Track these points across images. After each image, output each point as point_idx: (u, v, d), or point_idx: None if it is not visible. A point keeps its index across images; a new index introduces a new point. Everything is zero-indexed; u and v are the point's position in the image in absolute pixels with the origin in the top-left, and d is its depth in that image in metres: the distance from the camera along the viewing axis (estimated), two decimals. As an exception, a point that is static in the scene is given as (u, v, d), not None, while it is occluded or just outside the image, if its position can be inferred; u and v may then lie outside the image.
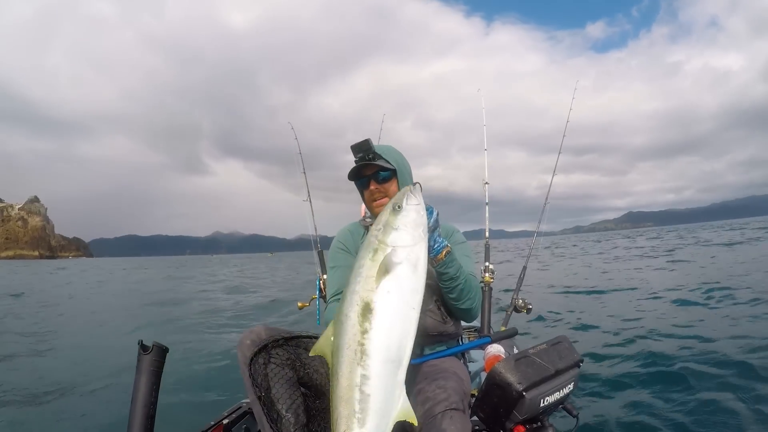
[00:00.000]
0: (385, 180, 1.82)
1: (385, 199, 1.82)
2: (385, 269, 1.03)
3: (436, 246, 1.47)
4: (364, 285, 1.03)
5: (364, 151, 1.78)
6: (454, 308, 1.73)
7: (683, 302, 7.43)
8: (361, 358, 0.97)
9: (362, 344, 0.97)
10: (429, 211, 1.31)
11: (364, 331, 0.98)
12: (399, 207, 1.15)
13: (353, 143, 1.81)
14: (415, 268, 1.07)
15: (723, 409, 3.12)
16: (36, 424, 3.69)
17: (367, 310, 0.99)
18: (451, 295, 1.65)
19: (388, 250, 1.06)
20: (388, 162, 1.80)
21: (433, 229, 1.36)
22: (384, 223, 1.13)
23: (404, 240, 1.09)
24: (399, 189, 1.84)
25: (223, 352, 5.70)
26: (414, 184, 1.28)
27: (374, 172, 1.80)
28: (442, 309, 1.77)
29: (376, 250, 1.07)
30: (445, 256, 1.51)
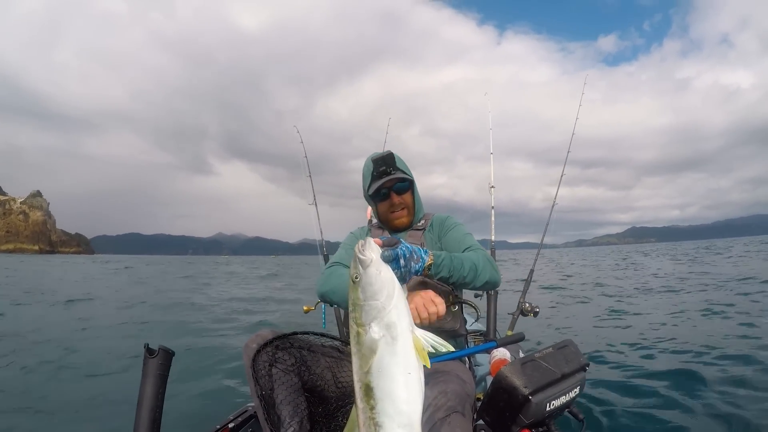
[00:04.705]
0: (404, 191, 1.82)
1: (404, 211, 1.84)
2: (370, 351, 1.06)
3: (416, 269, 1.35)
4: (359, 371, 1.07)
5: (387, 164, 1.75)
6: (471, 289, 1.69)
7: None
8: (375, 430, 1.03)
9: (373, 418, 1.04)
10: (393, 255, 1.19)
11: (372, 408, 1.04)
12: (356, 278, 1.10)
13: (375, 156, 1.77)
14: (394, 337, 1.06)
15: (738, 421, 3.02)
16: (38, 428, 3.62)
17: (368, 390, 1.05)
18: (457, 285, 1.64)
19: (365, 329, 1.07)
20: (405, 173, 1.79)
21: (406, 268, 1.25)
22: (352, 302, 1.11)
23: (373, 313, 1.07)
24: (414, 199, 1.86)
25: (233, 354, 5.67)
26: (363, 240, 1.15)
27: (394, 184, 1.79)
28: None
29: (357, 334, 1.08)
30: (430, 269, 1.46)
